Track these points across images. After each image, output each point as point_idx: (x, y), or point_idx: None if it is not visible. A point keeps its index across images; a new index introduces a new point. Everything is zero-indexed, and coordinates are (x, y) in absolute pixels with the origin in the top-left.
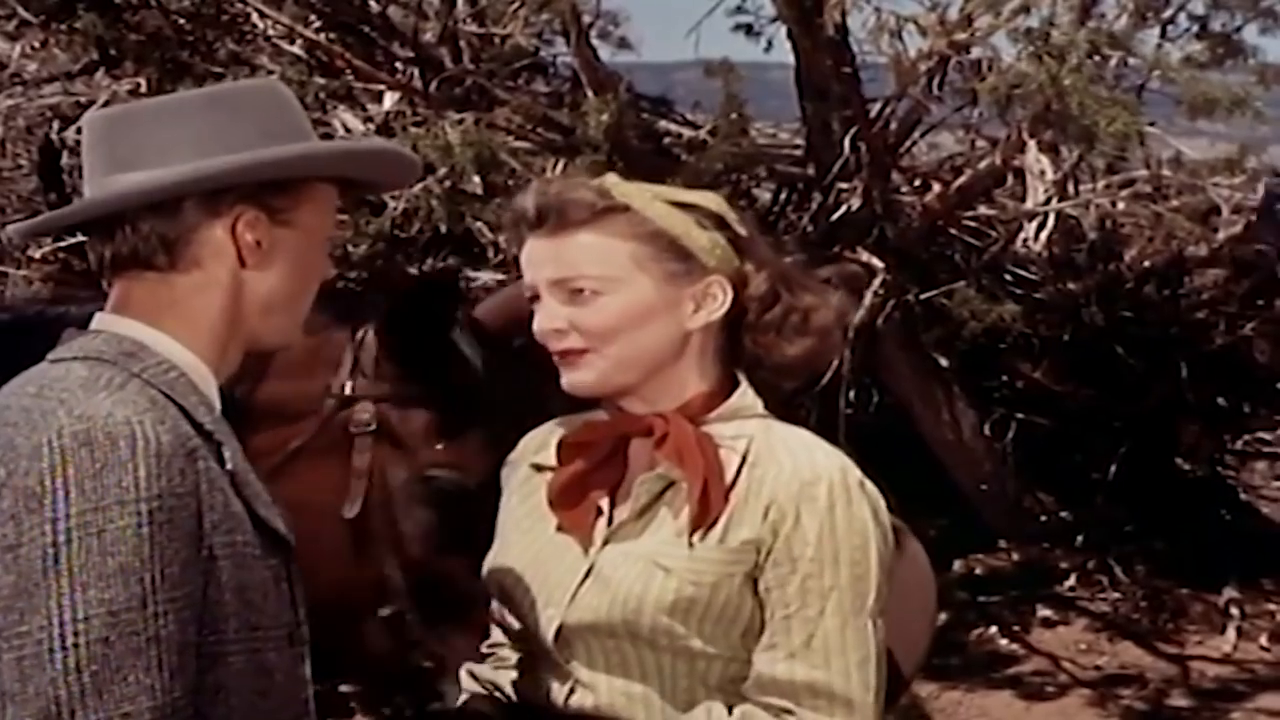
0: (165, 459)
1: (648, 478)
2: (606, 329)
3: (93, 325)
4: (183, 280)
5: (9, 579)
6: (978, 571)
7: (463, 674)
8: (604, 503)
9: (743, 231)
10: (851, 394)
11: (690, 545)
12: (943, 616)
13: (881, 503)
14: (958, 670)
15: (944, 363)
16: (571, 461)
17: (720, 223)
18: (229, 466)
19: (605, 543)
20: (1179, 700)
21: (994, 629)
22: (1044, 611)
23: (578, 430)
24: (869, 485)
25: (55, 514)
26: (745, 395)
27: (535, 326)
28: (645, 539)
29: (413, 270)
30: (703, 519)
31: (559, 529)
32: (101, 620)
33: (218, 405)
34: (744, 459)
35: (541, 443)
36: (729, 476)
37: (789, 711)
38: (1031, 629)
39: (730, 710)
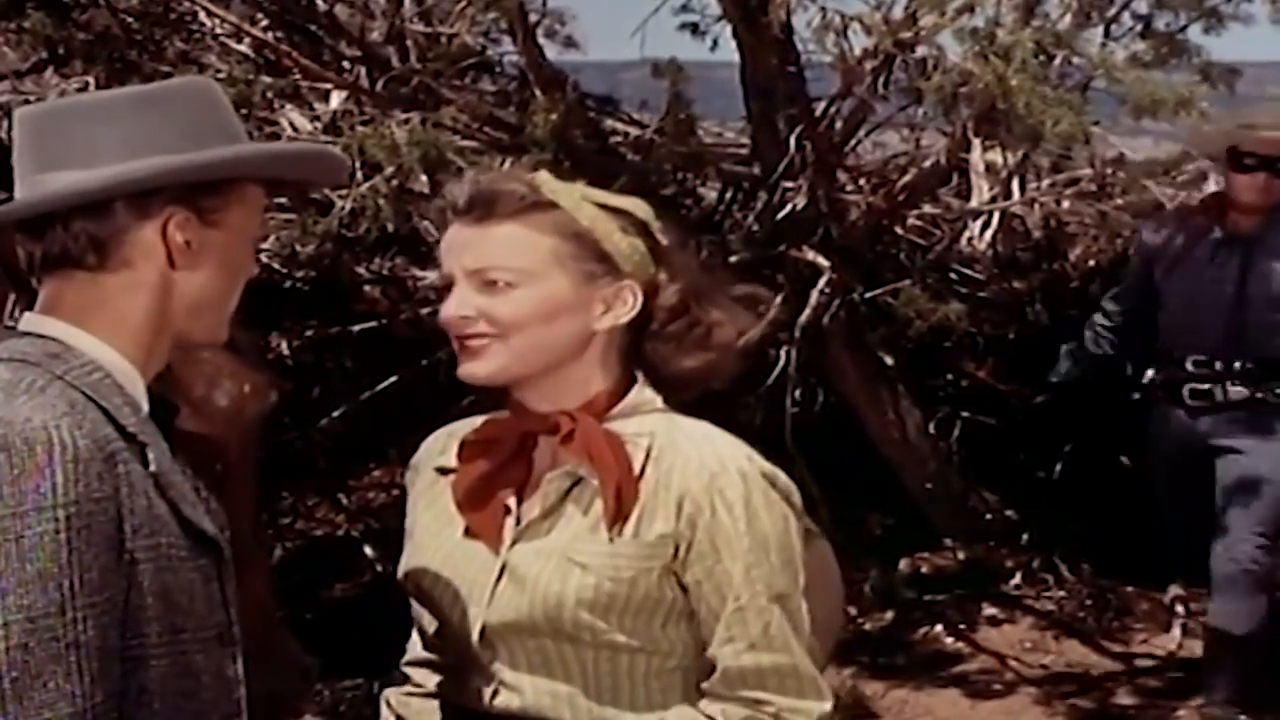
0: (83, 464)
1: (555, 475)
2: (515, 320)
3: (21, 325)
4: (112, 280)
5: None
6: (923, 570)
7: (382, 704)
8: (510, 501)
9: (663, 241)
10: (797, 393)
11: (609, 541)
12: (888, 615)
13: (787, 483)
14: (903, 669)
15: (889, 361)
16: (474, 461)
17: (643, 229)
18: (153, 468)
19: (515, 542)
20: (1125, 698)
21: (940, 628)
22: (990, 610)
23: (480, 429)
24: (775, 469)
25: None
26: (644, 391)
27: (443, 312)
28: (555, 536)
29: (360, 269)
30: (617, 514)
31: (467, 531)
32: (20, 626)
33: (144, 405)
34: (648, 454)
35: (443, 446)
36: (635, 471)
37: (762, 702)
38: (977, 628)
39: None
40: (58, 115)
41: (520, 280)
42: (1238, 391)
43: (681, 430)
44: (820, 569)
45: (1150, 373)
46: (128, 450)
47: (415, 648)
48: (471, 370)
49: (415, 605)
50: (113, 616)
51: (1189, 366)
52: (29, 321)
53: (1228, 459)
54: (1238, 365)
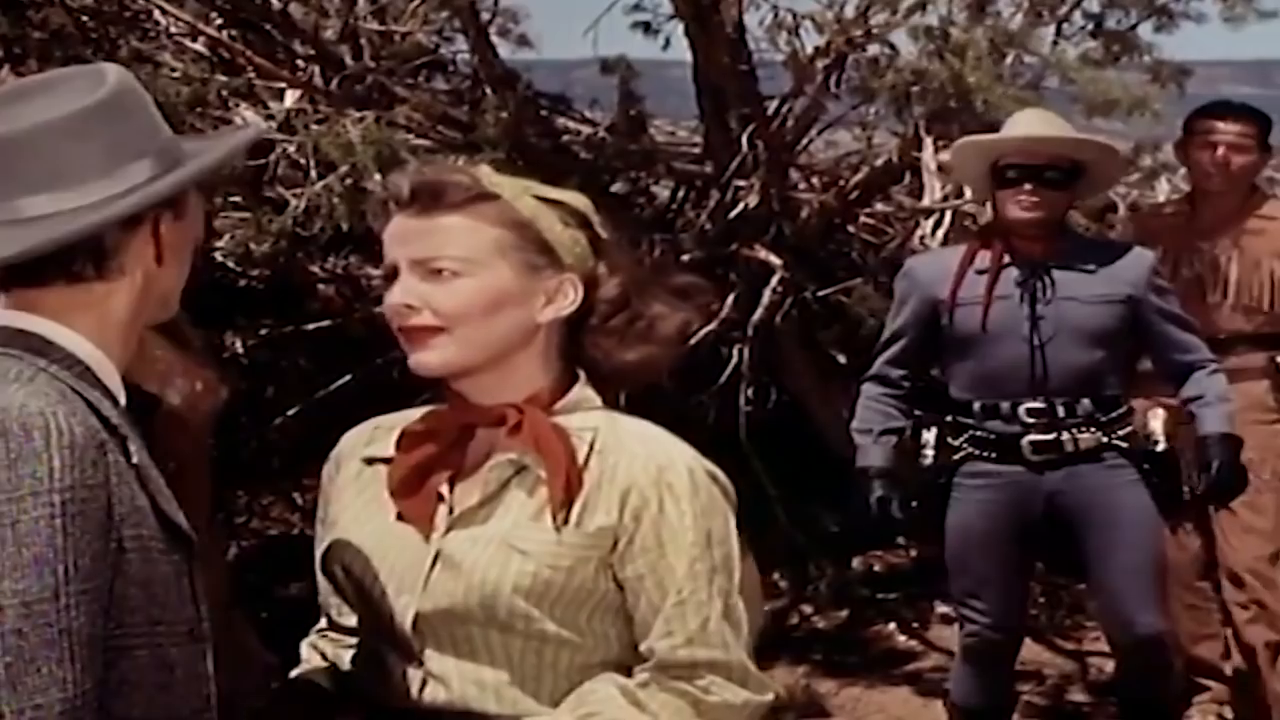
0: (79, 450)
1: (498, 462)
2: (459, 310)
3: None
4: (101, 286)
5: None
6: (876, 569)
7: (304, 647)
8: (444, 489)
9: (603, 234)
10: (750, 392)
11: (552, 529)
12: (842, 613)
13: (727, 483)
14: (856, 667)
15: (842, 360)
16: (412, 450)
17: (584, 222)
18: (134, 460)
19: (449, 529)
20: (1077, 695)
21: (893, 626)
22: (942, 608)
23: (422, 419)
24: (716, 469)
25: None
26: (585, 389)
27: (388, 301)
28: (493, 523)
29: (314, 268)
30: (563, 502)
31: (399, 517)
32: (15, 611)
33: (122, 398)
34: (592, 446)
35: (369, 438)
36: (580, 463)
37: (695, 690)
38: (930, 626)
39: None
40: (23, 139)
41: (465, 270)
42: (1089, 438)
43: (624, 427)
44: (749, 579)
45: (936, 433)
46: (112, 441)
47: (324, 623)
48: (422, 360)
49: (333, 594)
50: (101, 604)
51: (1024, 416)
52: (4, 316)
53: (1086, 516)
54: (1081, 408)
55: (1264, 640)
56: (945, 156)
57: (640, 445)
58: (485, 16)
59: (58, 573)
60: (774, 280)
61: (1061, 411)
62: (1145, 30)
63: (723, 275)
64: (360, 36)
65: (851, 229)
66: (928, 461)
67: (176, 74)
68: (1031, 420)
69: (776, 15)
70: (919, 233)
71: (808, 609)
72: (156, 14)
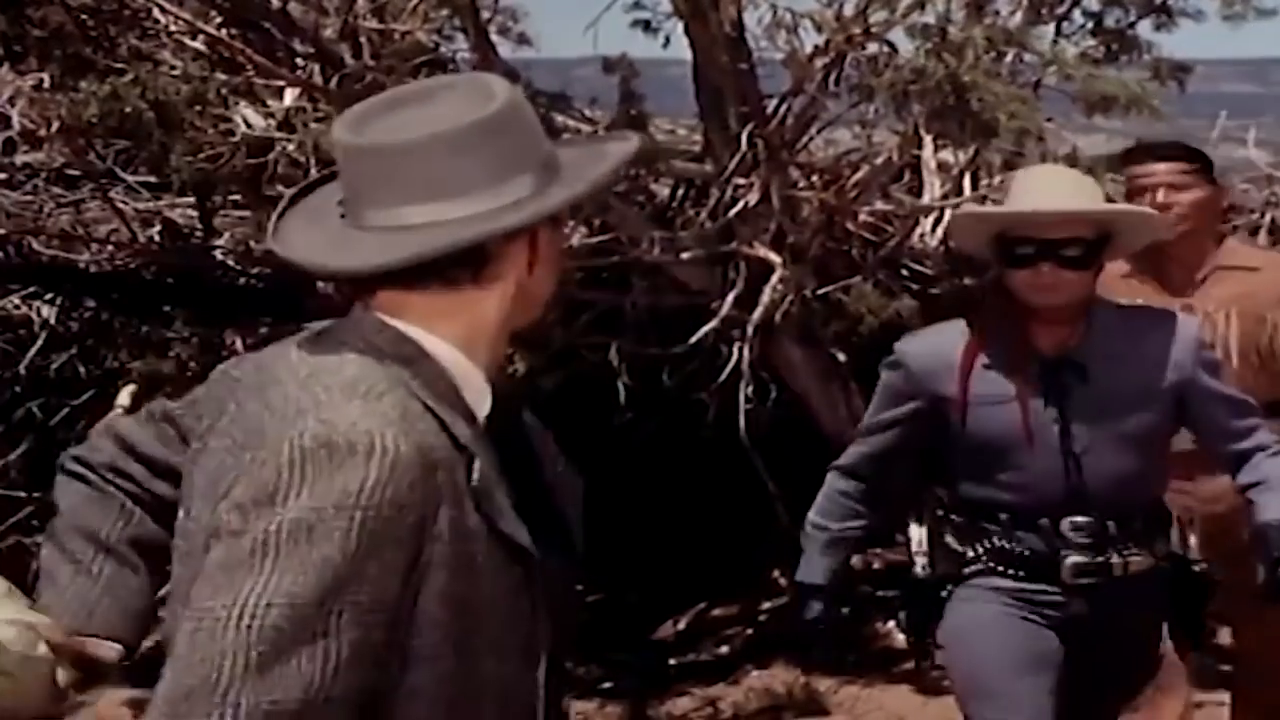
0: (399, 469)
1: None
2: None
3: (372, 319)
4: (475, 292)
5: (218, 556)
6: (875, 566)
7: None
8: None
9: None
10: (750, 390)
11: None
12: (842, 611)
13: None
14: (856, 665)
15: (841, 358)
16: None
17: None
18: (475, 481)
19: None
20: None
21: (892, 624)
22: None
23: None
24: None
25: (284, 509)
26: None
27: None
28: None
29: None
30: None
31: None
32: (280, 610)
33: (485, 408)
34: None
35: None
36: None
37: None
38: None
39: None
40: (410, 149)
41: None
42: (1140, 560)
43: None
44: None
45: (928, 534)
46: (456, 460)
47: None
48: None
49: None
50: (381, 617)
51: (1067, 532)
52: (382, 318)
53: (1109, 654)
54: (1133, 524)
55: None
56: (945, 155)
57: None
58: (485, 15)
59: (333, 581)
60: (774, 278)
61: (1112, 530)
62: (1145, 29)
63: (722, 274)
64: (360, 35)
65: (851, 227)
66: (921, 573)
67: (176, 72)
68: (1075, 537)
69: (776, 14)
70: (918, 231)
71: None
72: (156, 12)
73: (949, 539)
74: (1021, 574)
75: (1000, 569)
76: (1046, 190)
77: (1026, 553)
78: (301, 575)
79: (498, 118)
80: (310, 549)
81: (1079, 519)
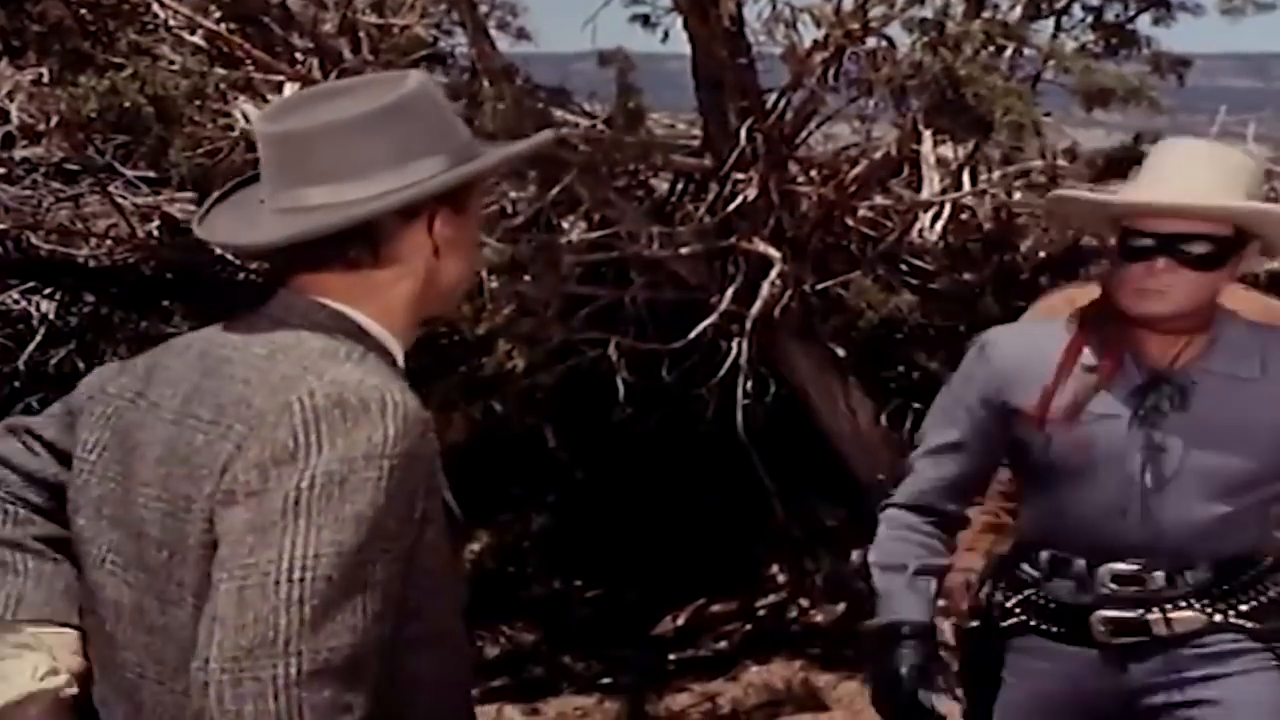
0: (411, 421)
1: None
2: None
3: (306, 300)
4: (381, 274)
5: (245, 517)
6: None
7: None
8: None
9: None
10: (748, 385)
11: None
12: (840, 607)
13: None
14: (855, 660)
15: (840, 353)
16: None
17: None
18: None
19: None
20: None
21: None
22: (941, 602)
23: None
24: None
25: (307, 465)
26: None
27: None
28: None
29: None
30: None
31: None
32: (329, 560)
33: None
34: None
35: None
36: None
37: None
38: None
39: None
40: (314, 134)
41: None
42: (1188, 618)
43: None
44: None
45: (999, 587)
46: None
47: None
48: None
49: None
50: (400, 567)
51: (1103, 581)
52: (309, 298)
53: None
54: (1188, 579)
55: None
56: (944, 150)
57: None
58: (483, 10)
59: (371, 530)
60: (773, 273)
61: (1159, 581)
62: (1144, 24)
63: (721, 268)
64: (359, 30)
65: (850, 222)
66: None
67: (175, 67)
68: (1113, 589)
69: (774, 8)
70: (917, 226)
71: (805, 602)
72: (155, 7)
73: (998, 587)
74: (1056, 632)
75: (1035, 625)
76: (1175, 174)
77: (1054, 606)
78: (340, 526)
79: (402, 103)
80: (343, 502)
81: (1120, 567)
